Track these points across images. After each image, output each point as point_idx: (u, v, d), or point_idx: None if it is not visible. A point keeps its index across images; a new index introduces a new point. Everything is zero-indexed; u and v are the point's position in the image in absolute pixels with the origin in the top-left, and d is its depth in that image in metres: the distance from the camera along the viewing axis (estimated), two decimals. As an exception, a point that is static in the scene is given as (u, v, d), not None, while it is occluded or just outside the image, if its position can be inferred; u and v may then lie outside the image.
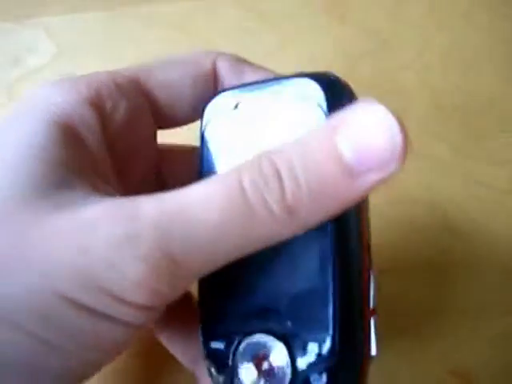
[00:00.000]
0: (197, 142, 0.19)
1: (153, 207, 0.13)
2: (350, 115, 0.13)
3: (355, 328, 0.17)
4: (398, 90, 0.33)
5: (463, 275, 0.28)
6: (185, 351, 0.20)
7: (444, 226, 0.29)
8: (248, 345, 0.17)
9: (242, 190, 0.13)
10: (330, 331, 0.16)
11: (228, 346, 0.17)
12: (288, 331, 0.16)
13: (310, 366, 0.16)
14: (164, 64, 0.19)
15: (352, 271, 0.17)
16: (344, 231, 0.16)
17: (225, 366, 0.17)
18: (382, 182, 0.13)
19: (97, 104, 0.17)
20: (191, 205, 0.13)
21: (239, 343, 0.17)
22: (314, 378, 0.16)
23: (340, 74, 0.34)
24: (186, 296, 0.21)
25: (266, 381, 0.16)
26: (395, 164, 0.13)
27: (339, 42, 0.35)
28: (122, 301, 0.13)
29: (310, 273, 0.16)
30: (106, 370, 0.16)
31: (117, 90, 0.17)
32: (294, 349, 0.16)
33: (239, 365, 0.17)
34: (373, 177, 0.13)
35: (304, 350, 0.16)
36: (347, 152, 0.12)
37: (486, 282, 0.27)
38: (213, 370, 0.17)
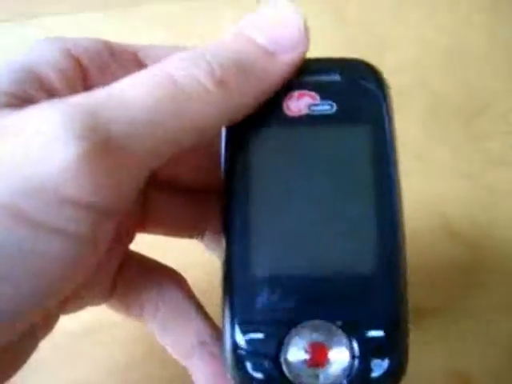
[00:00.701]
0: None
1: (82, 96, 0.13)
2: (255, 14, 0.16)
3: (408, 312, 0.16)
4: (398, 92, 0.33)
5: (464, 277, 0.28)
6: (177, 342, 0.19)
7: (444, 227, 0.29)
8: (297, 333, 0.15)
9: (170, 74, 0.14)
10: (394, 317, 0.16)
11: (271, 337, 0.15)
12: (342, 317, 0.15)
13: (371, 350, 0.15)
14: (167, 46, 0.19)
15: (405, 257, 0.17)
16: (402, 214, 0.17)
17: (265, 359, 0.15)
18: (298, 61, 0.15)
19: (79, 59, 0.16)
20: (122, 90, 0.13)
21: (286, 333, 0.15)
22: (375, 363, 0.15)
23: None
24: (178, 281, 0.20)
25: (323, 370, 0.15)
26: (303, 43, 0.15)
27: (340, 43, 0.35)
28: (57, 198, 0.12)
29: (366, 256, 0.16)
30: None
31: (109, 54, 0.17)
32: (352, 334, 0.15)
33: (288, 356, 0.15)
34: (288, 56, 0.15)
35: (363, 335, 0.15)
36: (259, 36, 0.15)
37: (487, 283, 0.27)
38: (248, 365, 0.15)
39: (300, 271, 0.16)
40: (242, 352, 0.15)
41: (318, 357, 0.15)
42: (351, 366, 0.15)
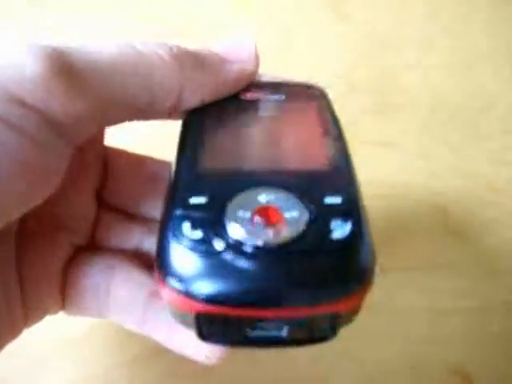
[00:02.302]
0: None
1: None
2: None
3: (360, 192, 0.15)
4: (399, 91, 0.34)
5: (464, 275, 0.28)
6: (130, 310, 0.19)
7: (445, 225, 0.29)
8: (244, 195, 0.14)
9: (133, 44, 0.16)
10: (353, 190, 0.14)
11: (214, 201, 0.14)
12: (297, 187, 0.14)
13: (331, 212, 0.13)
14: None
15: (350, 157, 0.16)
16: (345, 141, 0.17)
17: (206, 220, 0.13)
18: (247, 72, 0.18)
19: None
20: (88, 44, 0.15)
21: (231, 196, 0.14)
22: (336, 224, 0.13)
23: (342, 74, 0.34)
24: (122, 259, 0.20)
25: (273, 227, 0.13)
26: (253, 60, 0.19)
27: (343, 42, 0.35)
28: (10, 96, 0.13)
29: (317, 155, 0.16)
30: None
31: None
32: (308, 199, 0.14)
33: (232, 214, 0.13)
34: (239, 65, 0.18)
35: (320, 200, 0.14)
36: (217, 47, 0.18)
37: (488, 281, 0.27)
38: (186, 227, 0.13)
39: (252, 160, 0.16)
40: (182, 217, 0.14)
41: (269, 215, 0.13)
42: (308, 224, 0.13)
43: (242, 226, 0.13)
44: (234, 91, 0.19)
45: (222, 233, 0.13)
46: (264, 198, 0.14)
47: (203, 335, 0.14)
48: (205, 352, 0.18)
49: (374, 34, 0.35)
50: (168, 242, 0.13)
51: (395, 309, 0.26)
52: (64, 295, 0.19)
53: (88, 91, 0.15)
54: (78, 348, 0.25)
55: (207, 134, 0.17)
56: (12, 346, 0.17)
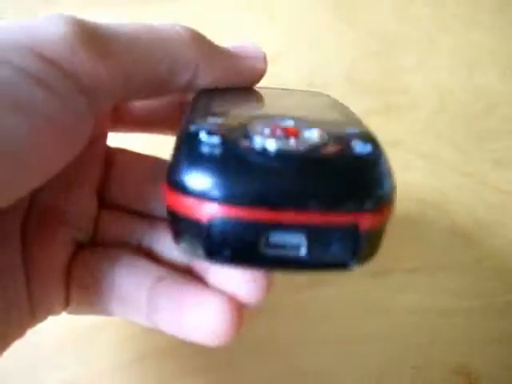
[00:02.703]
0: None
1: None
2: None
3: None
4: (403, 91, 0.34)
5: (467, 275, 0.28)
6: (135, 300, 0.18)
7: (449, 226, 0.29)
8: (260, 121, 0.14)
9: (151, 23, 0.17)
10: (372, 133, 0.14)
11: (232, 121, 0.14)
12: (314, 119, 0.14)
13: (352, 135, 0.14)
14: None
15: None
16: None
17: (226, 131, 0.13)
18: (258, 68, 0.19)
19: None
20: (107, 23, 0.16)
21: (250, 119, 0.14)
22: (356, 143, 0.13)
23: (346, 75, 0.34)
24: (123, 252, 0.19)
25: (293, 138, 0.13)
26: (263, 60, 0.20)
27: (346, 42, 0.35)
28: (41, 55, 0.14)
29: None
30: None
31: None
32: (327, 127, 0.14)
33: (252, 127, 0.13)
34: (251, 61, 0.19)
35: (341, 130, 0.14)
36: (231, 47, 0.19)
37: (491, 282, 0.27)
38: (204, 135, 0.13)
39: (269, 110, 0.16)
40: (198, 129, 0.13)
41: (289, 131, 0.13)
42: (328, 139, 0.13)
43: (263, 135, 0.13)
44: (245, 85, 0.19)
45: (241, 137, 0.13)
46: (283, 120, 0.14)
47: (214, 251, 0.13)
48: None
49: (377, 34, 0.35)
50: (181, 150, 0.13)
51: (397, 309, 0.26)
52: (68, 293, 0.19)
53: (110, 56, 0.15)
54: (82, 346, 0.25)
55: (218, 100, 0.17)
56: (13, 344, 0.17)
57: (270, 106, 0.18)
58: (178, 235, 0.14)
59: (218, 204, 0.12)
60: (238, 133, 0.13)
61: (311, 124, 0.14)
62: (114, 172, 0.21)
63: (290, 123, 0.14)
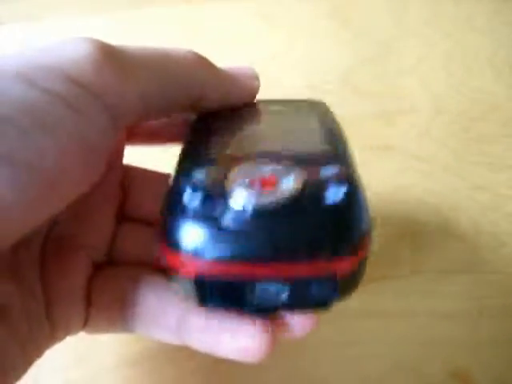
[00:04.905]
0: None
1: None
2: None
3: (355, 165, 0.16)
4: (400, 95, 0.34)
5: (465, 278, 0.28)
6: (162, 319, 0.18)
7: (445, 229, 0.29)
8: (243, 166, 0.15)
9: (163, 47, 0.18)
10: (348, 162, 0.15)
11: (214, 171, 0.15)
12: (290, 159, 0.15)
13: (326, 178, 0.14)
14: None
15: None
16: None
17: (206, 189, 0.14)
18: (255, 84, 0.21)
19: None
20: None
21: (230, 168, 0.15)
22: (331, 188, 0.14)
23: (343, 79, 0.34)
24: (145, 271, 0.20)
25: (269, 191, 0.14)
26: (257, 79, 0.21)
27: (343, 46, 0.35)
28: (65, 75, 0.14)
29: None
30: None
31: None
32: (304, 168, 0.14)
33: (231, 183, 0.14)
34: (248, 79, 0.21)
35: (316, 170, 0.14)
36: (233, 70, 0.21)
37: (488, 284, 0.28)
38: (187, 196, 0.14)
39: (251, 145, 0.17)
40: (185, 187, 0.14)
41: (265, 182, 0.14)
42: (303, 189, 0.14)
43: (241, 190, 0.14)
44: (243, 101, 0.21)
45: (221, 196, 0.14)
46: (262, 167, 0.15)
47: (204, 301, 0.14)
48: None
49: (373, 38, 0.36)
50: (169, 209, 0.14)
51: (395, 311, 0.26)
52: (88, 313, 0.19)
53: (132, 76, 0.16)
54: (84, 346, 0.25)
55: (208, 134, 0.18)
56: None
57: (255, 140, 0.18)
58: (174, 284, 0.15)
59: (202, 262, 0.13)
60: (219, 190, 0.14)
61: (288, 170, 0.14)
62: (132, 189, 0.22)
63: (268, 171, 0.15)
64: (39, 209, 0.14)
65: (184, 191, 0.14)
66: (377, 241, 0.19)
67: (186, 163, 0.16)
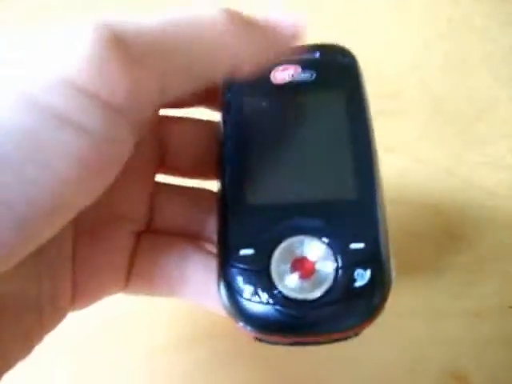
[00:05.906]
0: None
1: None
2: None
3: (387, 231, 0.17)
4: (398, 96, 0.34)
5: (464, 279, 0.28)
6: (208, 291, 0.18)
7: (445, 230, 0.29)
8: (284, 248, 0.17)
9: (183, 13, 0.15)
10: (376, 233, 0.17)
11: (260, 253, 0.17)
12: (326, 233, 0.17)
13: (354, 261, 0.16)
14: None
15: (380, 186, 0.19)
16: (375, 152, 0.19)
17: (255, 273, 0.17)
18: (294, 37, 0.18)
19: None
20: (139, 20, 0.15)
21: (273, 248, 0.17)
22: (358, 273, 0.16)
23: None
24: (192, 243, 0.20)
25: (308, 280, 0.16)
26: (298, 29, 0.18)
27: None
28: (73, 88, 0.13)
29: (346, 181, 0.18)
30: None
31: None
32: (335, 247, 0.17)
33: (276, 268, 0.17)
34: (289, 38, 0.18)
35: (346, 248, 0.16)
36: (272, 19, 0.17)
37: (488, 285, 0.28)
38: (240, 280, 0.17)
39: (288, 198, 0.18)
40: (235, 271, 0.17)
41: (305, 269, 0.16)
42: (335, 276, 0.16)
43: (283, 281, 0.16)
44: (284, 53, 0.19)
45: (267, 286, 0.16)
46: (299, 249, 0.17)
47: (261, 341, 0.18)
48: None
49: (370, 37, 0.36)
50: (229, 294, 0.17)
51: (394, 311, 0.26)
52: (129, 280, 0.19)
53: (144, 63, 0.14)
54: (88, 343, 0.25)
55: (244, 147, 0.19)
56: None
57: (286, 175, 0.19)
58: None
59: (258, 333, 0.17)
60: (265, 279, 0.16)
61: (324, 255, 0.17)
62: (169, 148, 0.20)
63: (304, 250, 0.17)
64: (42, 236, 0.13)
65: (235, 279, 0.17)
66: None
67: (230, 235, 0.17)
